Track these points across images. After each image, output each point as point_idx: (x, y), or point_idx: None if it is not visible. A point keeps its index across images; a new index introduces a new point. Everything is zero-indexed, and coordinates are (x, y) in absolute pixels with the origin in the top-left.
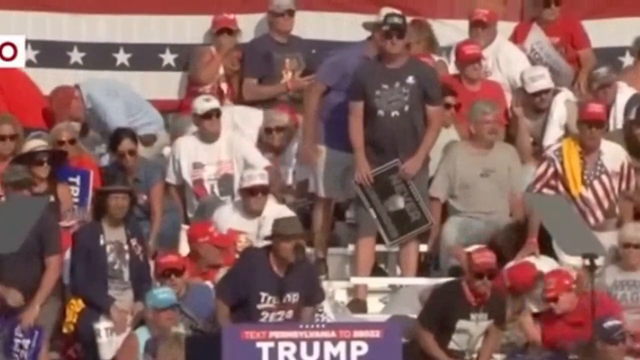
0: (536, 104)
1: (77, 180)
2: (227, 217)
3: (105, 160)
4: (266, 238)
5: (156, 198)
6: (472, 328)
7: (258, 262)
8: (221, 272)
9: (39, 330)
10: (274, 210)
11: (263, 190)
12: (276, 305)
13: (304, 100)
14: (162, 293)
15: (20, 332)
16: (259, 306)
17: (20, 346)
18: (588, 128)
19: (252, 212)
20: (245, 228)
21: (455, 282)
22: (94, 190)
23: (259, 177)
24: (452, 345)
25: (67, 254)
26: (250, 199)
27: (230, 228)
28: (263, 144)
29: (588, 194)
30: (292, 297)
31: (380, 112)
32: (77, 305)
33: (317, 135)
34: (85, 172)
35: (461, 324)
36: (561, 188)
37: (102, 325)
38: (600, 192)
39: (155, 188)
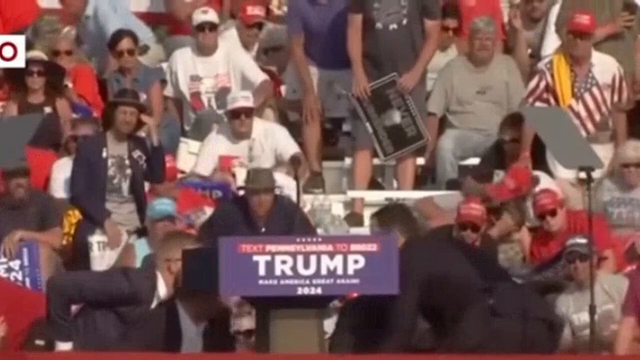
0: (529, 12)
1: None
2: (216, 142)
3: None
4: (239, 188)
5: (155, 96)
6: None
7: (237, 215)
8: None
9: (28, 247)
10: (265, 129)
11: (246, 113)
12: None
13: (293, 59)
14: (160, 204)
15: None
16: None
17: (9, 269)
18: (573, 39)
19: (239, 135)
20: (236, 152)
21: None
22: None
23: (242, 99)
24: None
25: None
26: (234, 121)
27: (220, 155)
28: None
29: (579, 107)
30: None
31: (379, 25)
32: (73, 216)
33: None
34: (88, 110)
35: None
36: (553, 101)
37: (95, 239)
38: (592, 105)
39: (153, 87)
